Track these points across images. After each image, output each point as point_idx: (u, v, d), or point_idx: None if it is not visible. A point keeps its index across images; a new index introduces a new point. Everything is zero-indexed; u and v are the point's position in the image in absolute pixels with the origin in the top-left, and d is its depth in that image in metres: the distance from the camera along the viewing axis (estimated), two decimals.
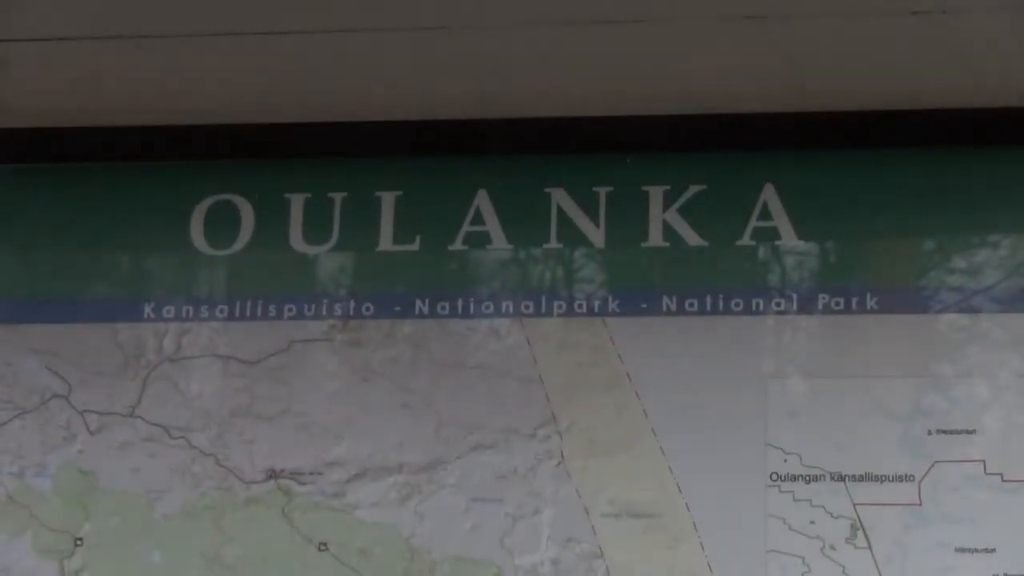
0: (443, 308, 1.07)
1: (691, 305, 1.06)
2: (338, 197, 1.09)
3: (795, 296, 1.06)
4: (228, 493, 1.05)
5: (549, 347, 1.07)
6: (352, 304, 1.08)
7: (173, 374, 1.07)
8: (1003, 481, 1.00)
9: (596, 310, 1.07)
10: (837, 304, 1.05)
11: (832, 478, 1.02)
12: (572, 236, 1.08)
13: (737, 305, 1.06)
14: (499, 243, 1.08)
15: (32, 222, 1.11)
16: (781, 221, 1.07)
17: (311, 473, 1.05)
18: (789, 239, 1.07)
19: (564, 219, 1.08)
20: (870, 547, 1.00)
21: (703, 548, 1.02)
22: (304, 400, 1.07)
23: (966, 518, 1.00)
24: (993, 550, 0.99)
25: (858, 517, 1.01)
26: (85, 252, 1.09)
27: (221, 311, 1.08)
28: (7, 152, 1.10)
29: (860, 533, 1.01)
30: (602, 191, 1.08)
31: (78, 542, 1.05)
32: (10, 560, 1.05)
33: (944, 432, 1.02)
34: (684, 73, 1.14)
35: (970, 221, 1.07)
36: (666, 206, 1.08)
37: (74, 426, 1.07)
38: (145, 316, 1.07)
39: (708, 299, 1.06)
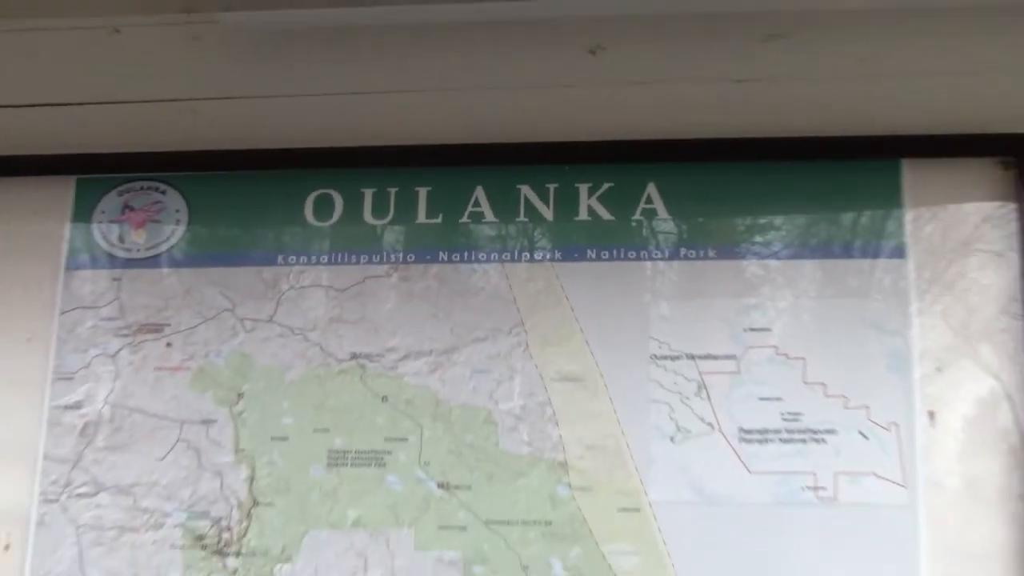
0: (456, 257, 1.29)
1: (604, 255, 1.28)
2: (392, 191, 1.30)
3: (665, 250, 1.28)
4: (327, 368, 1.27)
5: (520, 281, 1.28)
6: (401, 255, 1.29)
7: (295, 296, 1.29)
8: (788, 358, 1.22)
9: (548, 259, 1.29)
10: (690, 255, 1.27)
11: (687, 357, 1.24)
12: (533, 214, 1.29)
13: (631, 255, 1.28)
14: (489, 218, 1.29)
15: (212, 208, 1.33)
16: (658, 206, 1.29)
17: (377, 355, 1.27)
18: (663, 216, 1.29)
19: (528, 204, 1.29)
20: (709, 399, 1.23)
21: (611, 398, 1.24)
22: (372, 312, 1.28)
23: (764, 380, 1.22)
24: (780, 398, 1.22)
25: (702, 380, 1.23)
26: (244, 227, 1.30)
27: (323, 259, 1.29)
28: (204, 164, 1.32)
29: (703, 390, 1.23)
30: (551, 187, 1.30)
31: (240, 396, 1.27)
32: (199, 405, 1.27)
33: (753, 330, 1.24)
34: (602, 112, 1.34)
35: (772, 206, 1.27)
36: (589, 196, 1.29)
37: (236, 328, 1.29)
38: (278, 263, 1.29)
39: (615, 251, 1.28)
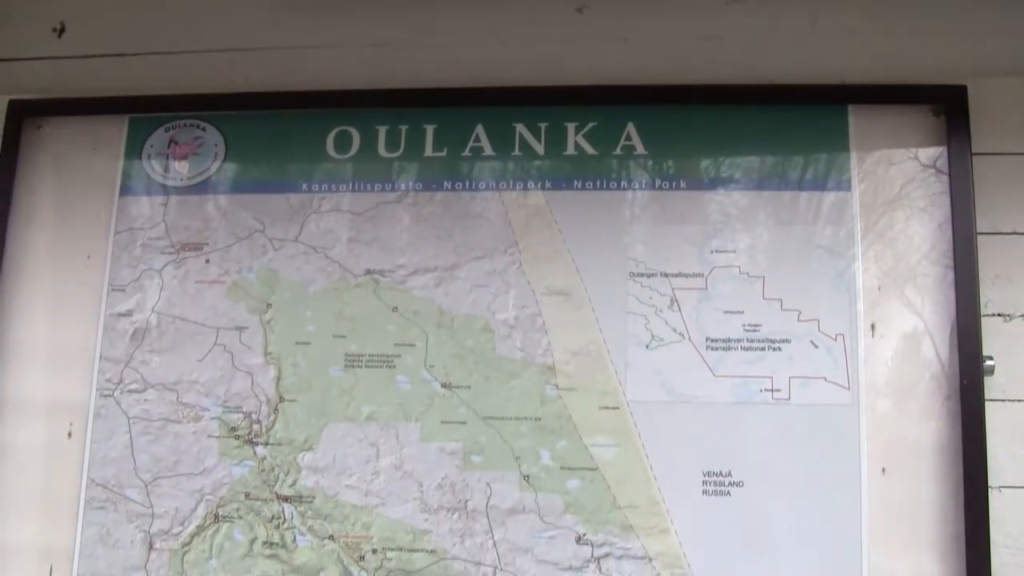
0: (459, 186, 1.17)
1: (589, 185, 1.16)
2: (403, 128, 1.17)
3: (642, 182, 1.16)
4: (345, 281, 1.15)
5: (514, 207, 1.16)
6: (410, 183, 1.17)
7: (317, 219, 1.17)
8: (749, 277, 1.12)
9: (539, 187, 1.17)
10: (664, 186, 1.15)
11: (661, 275, 1.12)
12: (526, 149, 1.16)
13: (612, 185, 1.15)
14: (488, 152, 1.17)
15: (246, 143, 1.22)
16: (636, 143, 1.17)
17: (388, 271, 1.16)
18: (640, 152, 1.17)
19: (522, 140, 1.17)
20: (680, 311, 1.11)
21: (593, 310, 1.13)
22: (385, 234, 1.17)
23: (728, 295, 1.12)
24: (742, 312, 1.12)
25: (674, 295, 1.12)
26: (273, 159, 1.20)
27: (342, 187, 1.17)
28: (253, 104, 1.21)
29: (675, 304, 1.11)
30: (543, 125, 1.17)
31: (268, 306, 1.16)
32: (233, 314, 1.16)
33: (719, 252, 1.13)
34: (587, 61, 1.22)
35: (736, 144, 1.16)
36: (576, 133, 1.17)
37: (266, 246, 1.18)
38: (303, 190, 1.17)
39: (598, 182, 1.16)
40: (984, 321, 1.10)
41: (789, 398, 1.10)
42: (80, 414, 1.19)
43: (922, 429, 1.10)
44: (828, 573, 1.06)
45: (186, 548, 1.12)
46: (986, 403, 1.08)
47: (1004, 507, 1.09)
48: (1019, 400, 1.10)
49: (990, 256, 1.13)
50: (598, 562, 1.07)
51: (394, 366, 1.14)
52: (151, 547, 1.14)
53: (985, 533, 1.05)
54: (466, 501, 1.11)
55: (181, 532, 1.14)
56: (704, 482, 1.09)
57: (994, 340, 1.11)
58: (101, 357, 1.20)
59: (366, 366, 1.15)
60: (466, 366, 1.13)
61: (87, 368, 1.20)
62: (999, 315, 1.11)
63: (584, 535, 1.09)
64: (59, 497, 1.17)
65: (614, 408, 1.11)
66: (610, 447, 1.11)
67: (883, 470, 1.09)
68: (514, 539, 1.10)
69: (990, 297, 1.11)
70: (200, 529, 1.13)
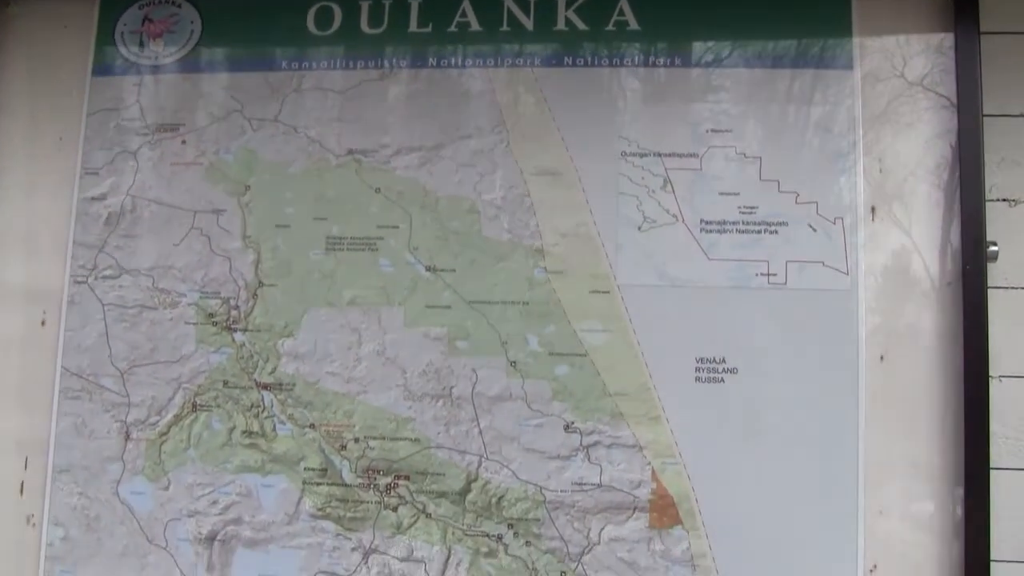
0: (444, 63, 1.08)
1: (580, 62, 1.08)
2: (386, 3, 1.09)
3: (635, 57, 1.07)
4: (326, 162, 1.07)
5: (502, 84, 1.08)
6: (394, 60, 1.09)
7: (297, 98, 1.09)
8: (745, 157, 1.04)
9: (527, 64, 1.08)
10: (658, 63, 1.07)
11: (654, 155, 1.05)
12: (515, 24, 1.08)
13: (604, 62, 1.07)
14: (475, 28, 1.08)
15: (223, 19, 1.13)
16: (630, 17, 1.08)
17: (371, 151, 1.08)
18: (634, 27, 1.08)
19: (511, 15, 1.08)
20: (673, 192, 1.04)
21: (584, 191, 1.05)
22: (368, 113, 1.08)
23: (723, 176, 1.04)
24: (737, 193, 1.04)
25: (667, 176, 1.04)
26: (252, 36, 1.11)
27: (323, 65, 1.09)
28: None
29: (668, 184, 1.04)
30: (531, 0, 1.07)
31: (247, 188, 1.09)
32: (211, 196, 1.09)
33: (714, 131, 1.05)
34: None
35: (736, 20, 1.07)
36: (567, 8, 1.08)
37: (245, 127, 1.09)
38: (282, 68, 1.09)
39: (589, 59, 1.08)
40: (988, 206, 1.03)
41: (786, 282, 1.03)
42: (53, 301, 1.12)
43: (922, 316, 1.03)
44: (823, 462, 1.01)
45: (163, 438, 1.05)
46: (988, 290, 1.02)
47: (1004, 397, 1.04)
48: (1023, 288, 1.00)
49: (996, 139, 1.05)
50: (587, 451, 1.00)
51: (377, 249, 1.07)
52: (128, 437, 1.09)
53: (985, 423, 0.99)
54: (451, 388, 1.04)
55: (158, 422, 1.08)
56: (697, 368, 1.03)
57: (998, 225, 1.04)
58: (74, 243, 1.12)
59: (348, 249, 1.08)
60: (451, 249, 1.06)
61: (60, 254, 1.12)
62: (1004, 200, 1.04)
63: (573, 423, 1.03)
64: (33, 387, 1.11)
65: (604, 292, 1.04)
66: (600, 332, 1.04)
67: (881, 357, 1.03)
68: (500, 427, 1.04)
69: (995, 181, 1.04)
70: (178, 418, 1.07)
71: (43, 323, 1.11)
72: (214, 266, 1.09)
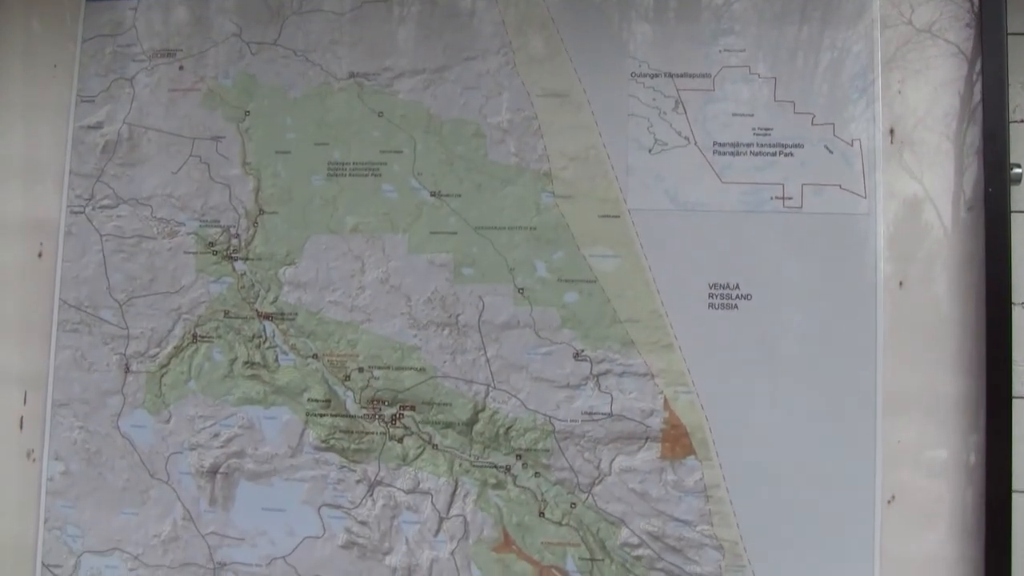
0: None
1: None
2: None
3: None
4: (327, 85, 1.04)
5: (508, 3, 1.04)
6: None
7: (298, 20, 1.05)
8: (760, 77, 1.00)
9: None
10: None
11: (665, 75, 1.00)
12: None
13: None
14: None
15: None
16: None
17: (373, 74, 1.04)
18: None
19: None
20: (686, 113, 1.00)
21: (593, 113, 1.01)
22: (370, 35, 1.04)
23: (737, 97, 0.99)
24: (751, 115, 0.99)
25: (679, 96, 1.00)
26: None
27: None
28: None
29: (680, 106, 1.00)
30: None
31: (246, 113, 1.05)
32: (209, 123, 1.05)
33: (728, 51, 1.00)
34: None
35: None
36: None
37: (244, 51, 1.05)
38: None
39: None
40: (1012, 128, 0.98)
41: (801, 206, 0.99)
42: (50, 233, 1.08)
43: (943, 241, 0.99)
44: (840, 391, 0.96)
45: (164, 370, 1.01)
46: (1012, 215, 0.97)
47: None
48: None
49: (1021, 58, 1.00)
50: (597, 379, 0.96)
51: (380, 174, 1.03)
52: (127, 370, 1.06)
53: (1007, 351, 0.95)
54: (457, 316, 1.01)
55: (158, 353, 1.05)
56: (710, 295, 0.99)
57: (1022, 146, 1.00)
58: (71, 172, 1.08)
59: (350, 175, 1.04)
60: (456, 173, 1.02)
61: (56, 184, 1.08)
62: None
63: (582, 351, 0.99)
64: (30, 320, 1.08)
65: (614, 216, 1.00)
66: (610, 258, 1.00)
67: (900, 283, 0.99)
68: (508, 356, 1.00)
69: (1019, 101, 0.99)
70: (178, 350, 1.04)
71: (40, 255, 1.08)
72: (213, 194, 1.05)
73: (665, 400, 0.96)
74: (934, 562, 0.95)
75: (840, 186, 0.98)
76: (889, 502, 0.95)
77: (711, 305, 0.98)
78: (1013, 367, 0.96)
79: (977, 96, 0.99)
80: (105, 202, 1.07)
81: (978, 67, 0.98)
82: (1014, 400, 0.96)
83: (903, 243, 0.99)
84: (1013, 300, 0.97)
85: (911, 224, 1.00)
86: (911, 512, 0.96)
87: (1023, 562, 0.95)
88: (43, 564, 1.02)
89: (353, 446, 0.99)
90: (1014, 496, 0.95)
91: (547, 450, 0.96)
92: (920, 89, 1.00)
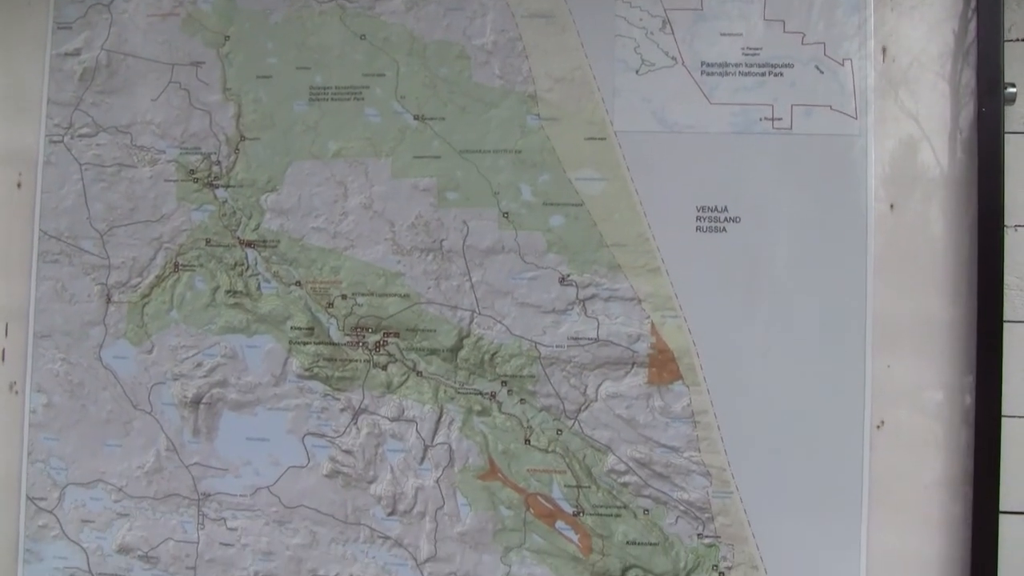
0: None
1: None
2: None
3: None
4: (308, 8, 1.00)
5: None
6: None
7: None
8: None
9: None
10: None
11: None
12: None
13: None
14: None
15: None
16: None
17: None
18: None
19: None
20: (673, 33, 0.97)
21: (578, 33, 0.98)
22: None
23: (725, 16, 0.97)
24: (740, 34, 0.96)
25: (666, 16, 0.97)
26: None
27: None
28: None
29: (667, 25, 0.97)
30: None
31: (226, 38, 1.02)
32: (189, 48, 1.02)
33: None
34: None
35: None
36: None
37: None
38: None
39: None
40: (1007, 47, 0.96)
41: (791, 127, 0.96)
42: (29, 163, 1.05)
43: (934, 162, 0.97)
44: (830, 315, 0.94)
45: (145, 300, 0.99)
46: (1005, 135, 0.95)
47: (1019, 248, 0.98)
48: None
49: None
50: (583, 304, 0.93)
51: (362, 98, 1.00)
52: (109, 300, 1.03)
53: (998, 273, 0.93)
54: (441, 241, 0.98)
55: (140, 283, 1.03)
56: (698, 218, 0.96)
57: (1017, 66, 0.97)
58: (49, 101, 1.05)
59: (332, 99, 1.01)
60: (440, 96, 0.99)
61: (34, 113, 1.05)
62: (1023, 40, 0.92)
63: (568, 275, 0.97)
64: (10, 252, 1.05)
65: (601, 139, 0.97)
66: (596, 181, 0.97)
67: (891, 206, 0.97)
68: (493, 281, 0.98)
69: (1014, 20, 0.95)
70: (159, 279, 1.02)
71: (19, 185, 1.05)
72: (194, 121, 1.02)
73: (652, 325, 0.93)
74: (923, 487, 0.93)
75: (831, 107, 0.96)
76: (878, 427, 0.93)
77: (699, 228, 0.96)
78: (1005, 291, 0.94)
79: (971, 15, 0.95)
80: (84, 130, 1.04)
81: None
82: (1005, 325, 0.95)
83: (894, 165, 0.97)
84: (1005, 223, 0.95)
85: (903, 146, 0.97)
86: (900, 437, 0.94)
87: (1011, 486, 0.92)
88: (27, 497, 1.00)
89: (337, 374, 0.96)
90: (1004, 421, 0.92)
91: (533, 376, 0.94)
92: (913, 6, 0.96)
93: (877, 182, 0.96)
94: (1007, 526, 0.94)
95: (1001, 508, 0.94)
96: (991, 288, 0.95)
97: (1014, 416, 0.95)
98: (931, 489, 0.94)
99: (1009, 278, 0.96)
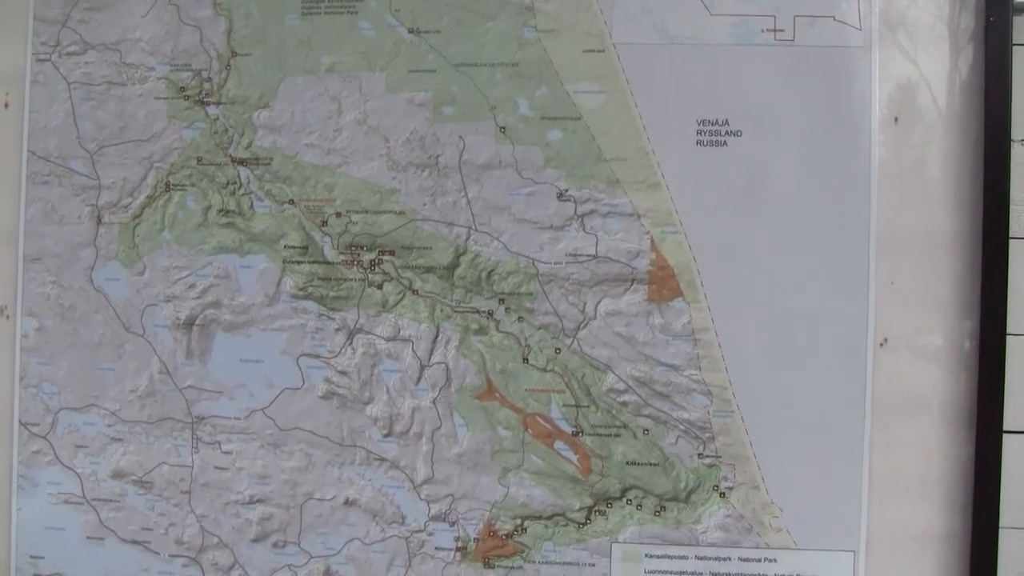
0: None
1: None
2: None
3: None
4: None
5: None
6: None
7: None
8: None
9: None
10: None
11: None
12: None
13: None
14: None
15: None
16: None
17: None
18: None
19: None
20: None
21: None
22: None
23: None
24: None
25: None
26: None
27: None
28: None
29: None
30: None
31: None
32: None
33: None
34: None
35: None
36: None
37: None
38: None
39: None
40: None
41: (793, 39, 0.94)
42: (16, 82, 1.02)
43: (940, 75, 0.94)
44: (832, 230, 0.92)
45: (137, 220, 0.96)
46: (1013, 47, 0.92)
47: None
48: None
49: None
50: (582, 220, 0.90)
51: (356, 11, 0.97)
52: (99, 221, 1.00)
53: (1005, 189, 0.89)
54: (437, 156, 0.96)
55: (131, 204, 1.00)
56: (698, 132, 0.94)
57: None
58: (35, 18, 1.01)
59: (325, 12, 0.97)
60: (435, 8, 0.96)
61: (20, 31, 1.02)
62: None
63: (566, 191, 0.95)
64: None
65: (599, 51, 0.94)
66: (595, 94, 0.94)
67: (896, 119, 0.94)
68: (489, 197, 0.95)
69: None
70: (151, 199, 0.99)
71: (6, 105, 1.02)
72: (184, 37, 0.99)
73: (652, 241, 0.91)
74: (926, 405, 0.91)
75: (834, 18, 0.93)
76: (881, 345, 0.91)
77: (699, 142, 0.94)
78: (1011, 207, 0.91)
79: None
80: (72, 48, 1.01)
81: None
82: (1011, 241, 0.93)
83: (899, 78, 0.94)
84: (1012, 137, 0.92)
85: (908, 57, 0.95)
86: (904, 355, 0.92)
87: (1015, 403, 0.90)
88: (20, 423, 0.98)
89: (332, 293, 0.94)
90: (1008, 339, 0.90)
91: (530, 294, 0.92)
92: None
93: (881, 94, 0.94)
94: (1011, 445, 0.91)
95: (1005, 427, 0.91)
96: (997, 203, 0.93)
97: (1019, 334, 0.92)
98: (935, 407, 0.91)
99: (1015, 193, 0.93)
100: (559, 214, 0.92)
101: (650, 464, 0.92)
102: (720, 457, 0.92)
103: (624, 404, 0.92)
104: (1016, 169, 0.93)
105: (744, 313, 0.92)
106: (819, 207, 0.93)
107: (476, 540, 0.94)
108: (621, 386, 0.92)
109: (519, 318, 0.92)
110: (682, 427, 0.92)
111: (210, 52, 0.97)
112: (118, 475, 0.98)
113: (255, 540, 0.96)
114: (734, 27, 0.94)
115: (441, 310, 0.93)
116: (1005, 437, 0.91)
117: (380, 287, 0.94)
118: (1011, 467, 0.91)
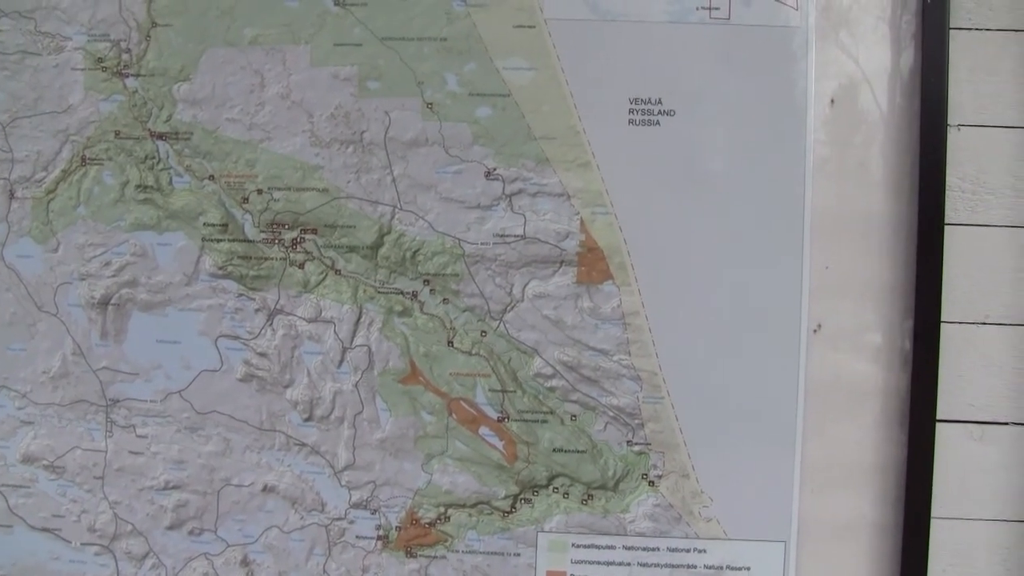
0: None
1: None
2: None
3: None
4: None
5: None
6: None
7: None
8: None
9: None
10: None
11: None
12: None
13: None
14: None
15: None
16: None
17: None
18: None
19: None
20: None
21: None
22: None
23: None
24: None
25: None
26: None
27: None
28: None
29: None
30: None
31: None
32: None
33: None
34: None
35: None
36: None
37: None
38: None
39: None
40: None
41: (729, 17, 0.91)
42: None
43: (877, 56, 0.92)
44: (767, 213, 0.89)
45: (51, 195, 0.92)
46: (950, 31, 0.89)
47: (962, 147, 0.93)
48: (986, 29, 0.87)
49: None
50: (510, 199, 0.87)
51: None
52: (12, 196, 0.95)
53: (941, 175, 0.86)
54: (362, 133, 0.92)
55: (45, 178, 0.95)
56: (631, 110, 0.91)
57: None
58: None
59: None
60: None
61: None
62: None
63: (495, 169, 0.91)
64: None
65: (530, 27, 0.91)
66: (525, 70, 0.91)
67: (832, 101, 0.92)
68: (416, 174, 0.92)
69: None
70: (66, 174, 0.94)
71: None
72: (102, 5, 0.94)
73: (582, 221, 0.87)
74: (860, 392, 0.88)
75: None
76: (815, 331, 0.88)
77: (631, 121, 0.90)
78: (947, 192, 0.88)
79: None
80: None
81: None
82: (946, 227, 0.90)
83: (836, 58, 0.92)
84: (949, 122, 0.89)
85: (845, 38, 0.92)
86: (837, 341, 0.88)
87: (949, 392, 0.87)
88: None
89: (252, 272, 0.90)
90: (943, 327, 0.87)
91: (456, 275, 0.88)
92: None
93: (817, 76, 0.91)
94: (944, 435, 0.89)
95: (938, 417, 0.88)
96: (933, 189, 0.91)
97: (953, 322, 0.89)
98: (868, 394, 0.88)
99: (951, 179, 0.90)
100: (487, 193, 0.89)
101: (578, 451, 0.89)
102: (649, 444, 0.88)
103: (551, 389, 0.88)
104: (952, 154, 0.90)
105: (675, 297, 0.88)
106: (753, 189, 0.90)
107: (398, 528, 0.90)
108: (548, 371, 0.88)
109: (444, 300, 0.89)
110: (611, 413, 0.88)
111: (129, 22, 0.92)
112: (28, 460, 0.93)
113: (170, 527, 0.92)
114: (669, 4, 0.91)
115: (364, 291, 0.89)
116: (938, 426, 0.88)
117: (302, 267, 0.90)
118: (944, 457, 0.88)
